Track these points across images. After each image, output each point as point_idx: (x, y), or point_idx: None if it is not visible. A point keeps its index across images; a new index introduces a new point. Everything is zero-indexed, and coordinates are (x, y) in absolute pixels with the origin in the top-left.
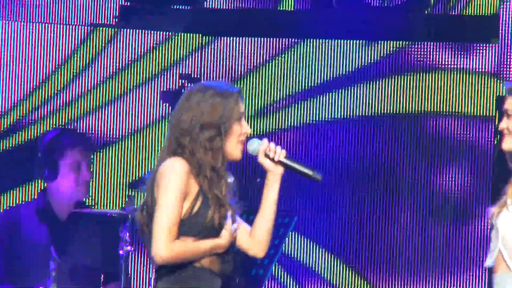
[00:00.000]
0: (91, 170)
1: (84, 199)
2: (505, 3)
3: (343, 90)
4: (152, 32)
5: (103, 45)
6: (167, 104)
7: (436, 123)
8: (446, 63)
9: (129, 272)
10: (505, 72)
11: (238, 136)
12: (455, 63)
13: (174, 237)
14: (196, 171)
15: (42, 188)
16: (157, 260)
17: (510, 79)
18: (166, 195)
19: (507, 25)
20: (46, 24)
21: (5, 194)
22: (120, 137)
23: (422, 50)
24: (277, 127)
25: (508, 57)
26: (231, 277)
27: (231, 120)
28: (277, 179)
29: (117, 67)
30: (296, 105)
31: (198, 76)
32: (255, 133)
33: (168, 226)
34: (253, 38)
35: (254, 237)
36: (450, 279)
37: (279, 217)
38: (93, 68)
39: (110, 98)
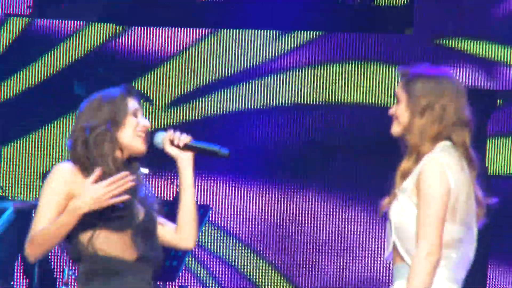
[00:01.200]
0: None
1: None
2: None
3: (259, 79)
4: (67, 21)
5: (17, 35)
6: (81, 94)
7: (354, 113)
8: (362, 53)
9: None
10: (418, 63)
11: (134, 129)
12: (371, 54)
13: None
14: (88, 169)
15: None
16: (30, 260)
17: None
18: (40, 198)
19: (421, 15)
20: None
21: None
22: (36, 127)
23: (338, 40)
24: (191, 117)
25: (423, 46)
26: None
27: (119, 115)
28: (187, 164)
29: (32, 57)
30: (211, 95)
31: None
32: (170, 123)
33: (35, 226)
34: (167, 28)
35: (180, 228)
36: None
37: None
38: (6, 58)
39: (25, 88)
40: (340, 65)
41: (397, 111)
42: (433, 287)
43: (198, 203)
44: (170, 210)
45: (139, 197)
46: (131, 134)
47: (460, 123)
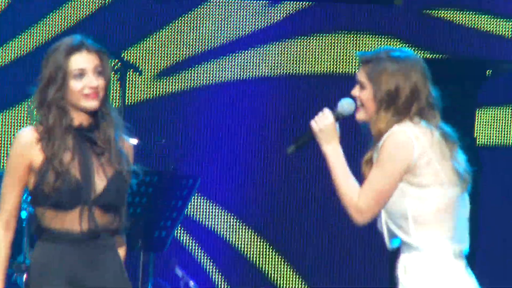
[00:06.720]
0: None
1: None
2: None
3: (248, 50)
4: None
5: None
6: None
7: (342, 84)
8: (351, 24)
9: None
10: (407, 34)
11: (79, 93)
12: (360, 25)
13: (6, 222)
14: (46, 135)
15: None
16: None
17: (413, 41)
18: (5, 172)
19: None
20: None
21: None
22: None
23: (328, 10)
24: (182, 88)
25: (412, 17)
26: (134, 240)
27: (59, 77)
28: None
29: (22, 27)
30: (201, 65)
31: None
32: (159, 94)
33: (2, 204)
34: None
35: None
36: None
37: (183, 178)
38: None
39: (14, 58)
40: (329, 36)
41: (362, 98)
42: (434, 248)
43: (188, 173)
44: (159, 181)
45: (102, 167)
46: (78, 98)
47: (429, 105)
